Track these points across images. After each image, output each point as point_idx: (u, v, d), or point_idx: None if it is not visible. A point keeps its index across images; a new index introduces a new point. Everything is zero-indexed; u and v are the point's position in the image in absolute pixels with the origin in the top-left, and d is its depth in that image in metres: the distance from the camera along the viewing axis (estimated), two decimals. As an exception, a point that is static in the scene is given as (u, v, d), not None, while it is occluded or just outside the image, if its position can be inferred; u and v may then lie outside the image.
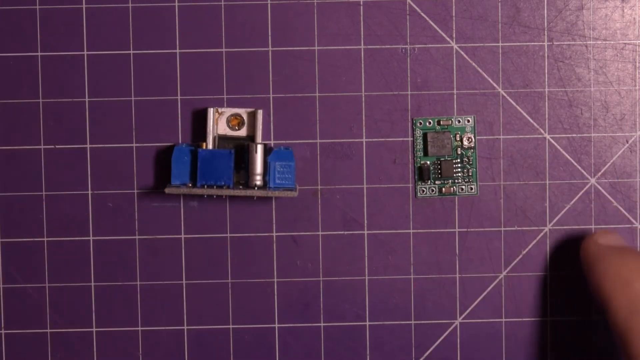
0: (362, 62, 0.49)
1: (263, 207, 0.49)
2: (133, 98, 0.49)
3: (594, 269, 0.46)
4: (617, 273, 0.45)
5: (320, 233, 0.49)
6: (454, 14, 0.49)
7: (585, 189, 0.49)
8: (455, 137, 0.49)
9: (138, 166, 0.49)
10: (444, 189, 0.49)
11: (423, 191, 0.49)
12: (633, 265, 0.45)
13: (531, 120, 0.49)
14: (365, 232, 0.49)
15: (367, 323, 0.49)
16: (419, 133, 0.49)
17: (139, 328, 0.49)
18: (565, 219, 0.49)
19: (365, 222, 0.49)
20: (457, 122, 0.49)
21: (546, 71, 0.49)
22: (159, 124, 0.49)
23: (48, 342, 0.49)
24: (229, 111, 0.48)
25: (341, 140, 0.49)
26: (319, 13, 0.49)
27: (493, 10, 0.49)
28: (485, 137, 0.49)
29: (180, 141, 0.49)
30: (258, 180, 0.47)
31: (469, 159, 0.49)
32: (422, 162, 0.49)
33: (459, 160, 0.49)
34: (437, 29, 0.49)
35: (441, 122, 0.49)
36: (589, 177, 0.49)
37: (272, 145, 0.49)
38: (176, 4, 0.48)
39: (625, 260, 0.46)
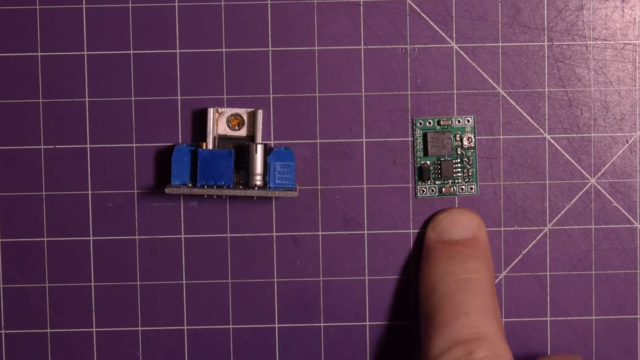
0: (362, 62, 0.49)
1: (263, 207, 0.49)
2: (133, 98, 0.49)
3: (420, 265, 0.47)
4: (427, 278, 0.46)
5: (320, 233, 0.49)
6: (454, 14, 0.49)
7: (585, 189, 0.49)
8: (455, 137, 0.49)
9: (138, 166, 0.49)
10: (444, 189, 0.49)
11: (423, 191, 0.49)
12: (441, 270, 0.45)
13: (531, 120, 0.49)
14: (365, 232, 0.49)
15: (367, 323, 0.49)
16: (419, 133, 0.49)
17: (139, 328, 0.49)
18: (565, 219, 0.49)
19: (365, 222, 0.49)
20: (457, 122, 0.49)
21: (546, 71, 0.49)
22: (159, 124, 0.49)
23: (48, 342, 0.49)
24: (229, 111, 0.48)
25: (341, 140, 0.49)
26: (319, 13, 0.49)
27: (493, 10, 0.49)
28: (485, 137, 0.49)
29: (180, 141, 0.49)
30: (258, 180, 0.47)
31: (469, 159, 0.49)
32: (422, 162, 0.49)
33: (459, 160, 0.49)
34: (437, 29, 0.49)
35: (441, 122, 0.49)
36: (589, 177, 0.49)
37: (272, 145, 0.49)
38: (176, 4, 0.48)
39: (437, 264, 0.46)
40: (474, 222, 0.47)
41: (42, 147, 0.49)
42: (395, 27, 0.49)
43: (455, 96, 0.49)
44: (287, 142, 0.49)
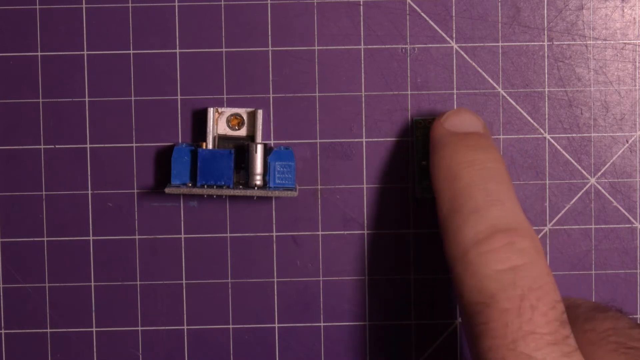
0: (362, 62, 0.49)
1: (263, 207, 0.49)
2: (133, 98, 0.49)
3: (432, 156, 0.45)
4: (447, 165, 0.43)
5: (320, 233, 0.49)
6: (454, 14, 0.49)
7: (585, 189, 0.49)
8: (455, 137, 0.49)
9: (138, 166, 0.49)
10: (444, 189, 0.49)
11: (423, 191, 0.49)
12: (464, 158, 0.43)
13: (531, 120, 0.49)
14: (365, 232, 0.49)
15: (367, 323, 0.49)
16: (419, 133, 0.49)
17: (139, 328, 0.49)
18: (565, 219, 0.49)
19: (365, 222, 0.49)
20: (457, 122, 0.49)
21: (546, 71, 0.49)
22: (159, 124, 0.49)
23: (48, 342, 0.49)
24: (229, 111, 0.48)
25: (341, 140, 0.49)
26: (319, 13, 0.49)
27: (493, 10, 0.49)
28: (485, 137, 0.49)
29: (180, 141, 0.49)
30: (258, 180, 0.47)
31: (469, 159, 0.49)
32: (422, 162, 0.49)
33: (459, 160, 0.49)
34: (437, 29, 0.49)
35: (441, 122, 0.49)
36: (589, 177, 0.49)
37: (272, 145, 0.49)
38: (176, 4, 0.48)
39: (458, 152, 0.44)
40: (480, 120, 0.46)
41: (42, 147, 0.49)
42: (395, 27, 0.49)
43: (455, 96, 0.49)
44: (287, 142, 0.49)
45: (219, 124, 0.48)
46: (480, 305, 0.40)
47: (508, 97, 0.49)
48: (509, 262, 0.40)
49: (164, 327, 0.49)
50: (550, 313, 0.39)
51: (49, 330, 0.49)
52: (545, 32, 0.49)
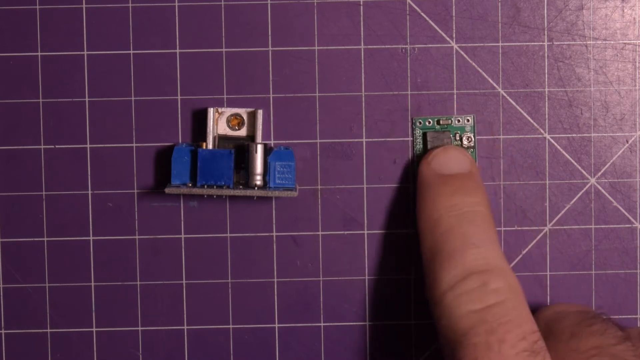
0: (362, 62, 0.49)
1: (263, 207, 0.49)
2: (133, 98, 0.49)
3: (417, 198, 0.47)
4: (429, 211, 0.45)
5: (320, 233, 0.49)
6: (454, 14, 0.49)
7: (585, 189, 0.49)
8: (455, 136, 0.49)
9: (138, 166, 0.49)
10: (444, 189, 0.49)
11: (423, 191, 0.49)
12: (444, 203, 0.45)
13: (531, 120, 0.49)
14: (365, 232, 0.49)
15: (367, 323, 0.49)
16: (418, 133, 0.49)
17: (139, 328, 0.49)
18: (565, 218, 0.49)
19: (365, 222, 0.49)
20: (456, 122, 0.49)
21: (546, 71, 0.49)
22: (159, 124, 0.49)
23: (48, 342, 0.49)
24: (229, 111, 0.48)
25: (341, 140, 0.49)
26: (319, 13, 0.49)
27: (493, 10, 0.49)
28: (485, 137, 0.49)
29: (180, 141, 0.49)
30: (258, 180, 0.47)
31: (469, 159, 0.49)
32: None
33: (459, 160, 0.49)
34: (437, 29, 0.49)
35: (441, 122, 0.49)
36: (589, 177, 0.49)
37: (272, 145, 0.49)
38: (176, 4, 0.48)
39: (440, 197, 0.45)
40: (468, 158, 0.47)
41: (42, 147, 0.49)
42: (395, 27, 0.49)
43: (455, 96, 0.49)
44: (287, 142, 0.49)
45: (219, 124, 0.48)
46: (454, 344, 0.42)
47: (508, 97, 0.49)
48: (481, 303, 0.42)
49: (164, 327, 0.49)
50: (520, 344, 0.41)
51: (49, 330, 0.49)
52: (545, 32, 0.49)
